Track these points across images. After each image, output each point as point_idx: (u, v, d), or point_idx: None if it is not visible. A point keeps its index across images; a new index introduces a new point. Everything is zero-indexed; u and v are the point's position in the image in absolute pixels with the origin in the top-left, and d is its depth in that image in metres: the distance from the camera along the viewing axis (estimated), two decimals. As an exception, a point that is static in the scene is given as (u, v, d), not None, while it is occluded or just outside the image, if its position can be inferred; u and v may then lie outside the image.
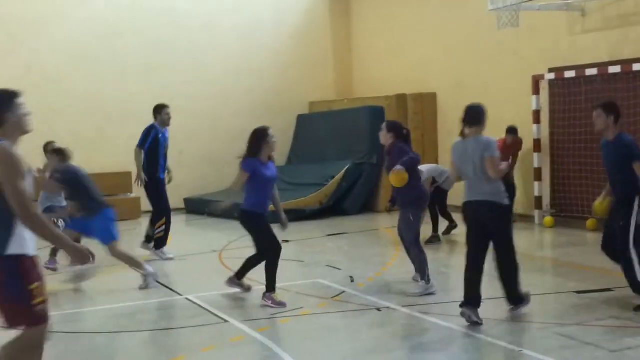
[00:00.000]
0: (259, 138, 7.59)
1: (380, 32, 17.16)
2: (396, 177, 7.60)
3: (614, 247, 7.08)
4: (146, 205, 15.45)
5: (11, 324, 4.22)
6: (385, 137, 8.03)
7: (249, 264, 7.97)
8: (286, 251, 10.30)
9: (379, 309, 7.23)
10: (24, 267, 4.15)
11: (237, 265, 8.12)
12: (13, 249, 4.12)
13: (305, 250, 11.15)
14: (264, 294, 7.54)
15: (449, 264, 9.73)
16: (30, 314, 4.15)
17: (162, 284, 8.69)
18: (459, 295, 6.72)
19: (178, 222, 14.32)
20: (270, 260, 7.56)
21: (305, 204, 14.31)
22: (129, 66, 15.98)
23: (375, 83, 17.12)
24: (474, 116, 6.66)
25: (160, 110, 10.78)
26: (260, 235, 7.65)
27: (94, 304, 8.06)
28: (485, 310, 6.62)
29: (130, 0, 16.06)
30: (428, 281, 7.77)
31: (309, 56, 17.70)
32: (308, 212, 14.17)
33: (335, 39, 18.12)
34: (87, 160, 15.62)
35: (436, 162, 14.35)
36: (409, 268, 8.26)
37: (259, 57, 17.19)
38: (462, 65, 14.60)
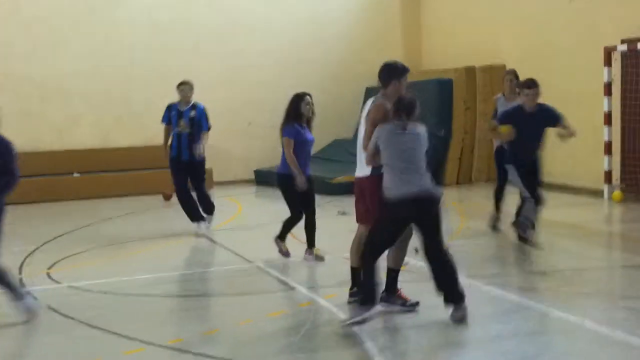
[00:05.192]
0: (296, 103, 8.18)
1: (449, 2, 17.04)
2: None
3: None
4: (218, 175, 15.87)
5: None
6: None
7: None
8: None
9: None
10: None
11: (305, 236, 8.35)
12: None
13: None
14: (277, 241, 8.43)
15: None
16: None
17: (233, 252, 9.01)
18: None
19: (247, 194, 14.65)
20: (292, 221, 8.33)
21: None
22: (201, 36, 16.29)
23: (444, 55, 17.02)
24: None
25: None
26: (293, 197, 8.21)
27: (167, 270, 8.38)
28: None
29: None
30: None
31: (376, 28, 17.66)
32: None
33: (403, 10, 18.01)
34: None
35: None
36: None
37: (325, 27, 17.18)
38: (532, 36, 14.42)
